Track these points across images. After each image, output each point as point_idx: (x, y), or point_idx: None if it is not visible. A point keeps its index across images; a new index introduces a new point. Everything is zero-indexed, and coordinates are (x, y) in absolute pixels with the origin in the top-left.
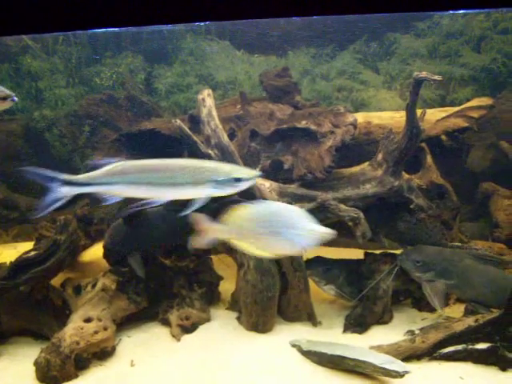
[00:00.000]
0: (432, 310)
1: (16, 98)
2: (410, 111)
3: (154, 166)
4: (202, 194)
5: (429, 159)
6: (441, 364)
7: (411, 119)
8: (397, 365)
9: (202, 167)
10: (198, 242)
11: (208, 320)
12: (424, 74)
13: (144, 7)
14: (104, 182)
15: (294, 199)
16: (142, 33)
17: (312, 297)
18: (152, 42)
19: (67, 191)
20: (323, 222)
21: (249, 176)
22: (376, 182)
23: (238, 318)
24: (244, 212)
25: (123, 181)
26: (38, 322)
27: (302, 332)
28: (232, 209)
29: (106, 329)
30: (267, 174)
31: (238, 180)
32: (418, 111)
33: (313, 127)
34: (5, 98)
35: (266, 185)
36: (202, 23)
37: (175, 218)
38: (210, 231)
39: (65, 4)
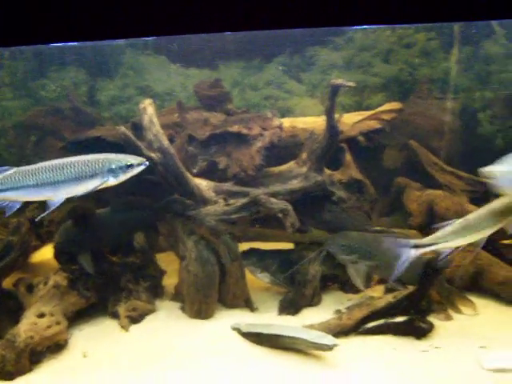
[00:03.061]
0: (357, 291)
1: (147, 163)
2: (329, 114)
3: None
4: None
5: (348, 157)
6: (365, 337)
7: (330, 122)
8: (327, 339)
9: None
10: None
11: (154, 311)
12: (339, 81)
13: (91, 23)
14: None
15: (229, 195)
16: (85, 48)
17: (249, 285)
18: (94, 56)
19: (415, 253)
20: (256, 215)
21: None
22: (302, 177)
23: (182, 308)
24: None
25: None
26: None
27: (241, 316)
28: None
29: (58, 323)
30: (204, 175)
31: None
32: (336, 115)
33: (244, 131)
34: (139, 165)
35: (204, 183)
36: (146, 38)
37: (121, 218)
38: None
39: (15, 19)
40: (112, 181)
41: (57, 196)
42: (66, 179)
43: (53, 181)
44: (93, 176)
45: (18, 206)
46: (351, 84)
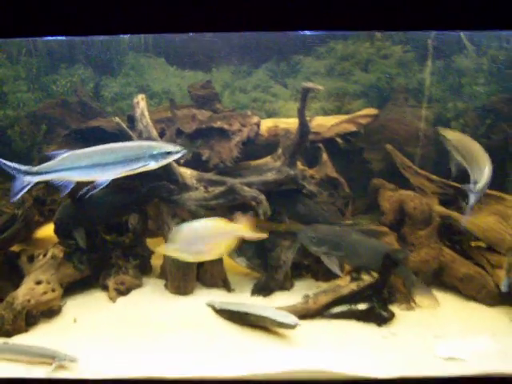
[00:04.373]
0: (327, 279)
1: (186, 151)
2: (301, 114)
3: None
4: None
5: (324, 156)
6: (329, 321)
7: (302, 121)
8: (290, 319)
9: None
10: None
11: (140, 285)
12: (310, 84)
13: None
14: None
15: (209, 184)
16: (93, 48)
17: (228, 270)
18: (100, 56)
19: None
20: (232, 202)
21: None
22: (275, 171)
23: (166, 285)
24: None
25: None
26: None
27: (217, 295)
28: None
29: (53, 290)
30: (189, 165)
31: None
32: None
33: (225, 126)
34: (177, 152)
35: (188, 172)
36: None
37: (116, 199)
38: None
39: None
40: (153, 165)
41: (104, 176)
42: (113, 162)
43: (102, 163)
44: (137, 160)
45: (72, 186)
46: (320, 88)
